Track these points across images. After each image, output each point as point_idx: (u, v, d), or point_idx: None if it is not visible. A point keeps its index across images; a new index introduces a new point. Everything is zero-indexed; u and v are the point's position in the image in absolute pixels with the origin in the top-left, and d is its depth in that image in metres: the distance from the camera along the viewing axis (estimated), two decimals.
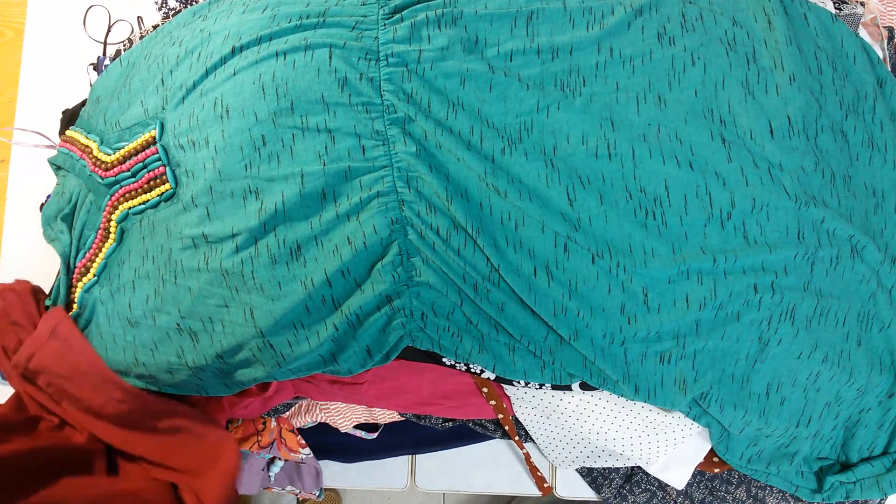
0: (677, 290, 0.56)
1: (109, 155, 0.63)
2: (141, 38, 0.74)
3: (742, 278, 0.57)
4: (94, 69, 0.83)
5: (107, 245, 0.63)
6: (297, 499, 1.36)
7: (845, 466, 0.68)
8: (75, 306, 0.65)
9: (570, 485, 0.79)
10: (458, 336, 0.59)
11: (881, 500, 0.74)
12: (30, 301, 0.65)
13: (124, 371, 0.63)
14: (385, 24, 0.58)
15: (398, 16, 0.58)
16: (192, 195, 0.58)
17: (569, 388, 0.65)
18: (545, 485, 0.78)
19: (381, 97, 0.56)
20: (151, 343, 0.61)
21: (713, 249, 0.56)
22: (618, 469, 0.77)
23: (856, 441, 0.67)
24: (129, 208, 0.62)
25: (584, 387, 0.64)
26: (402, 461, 0.81)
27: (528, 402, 0.70)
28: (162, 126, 0.60)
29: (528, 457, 0.76)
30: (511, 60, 0.57)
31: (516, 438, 0.74)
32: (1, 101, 0.89)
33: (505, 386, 0.69)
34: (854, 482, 0.67)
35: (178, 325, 0.59)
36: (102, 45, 0.86)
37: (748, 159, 0.57)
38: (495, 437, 0.78)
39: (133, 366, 0.62)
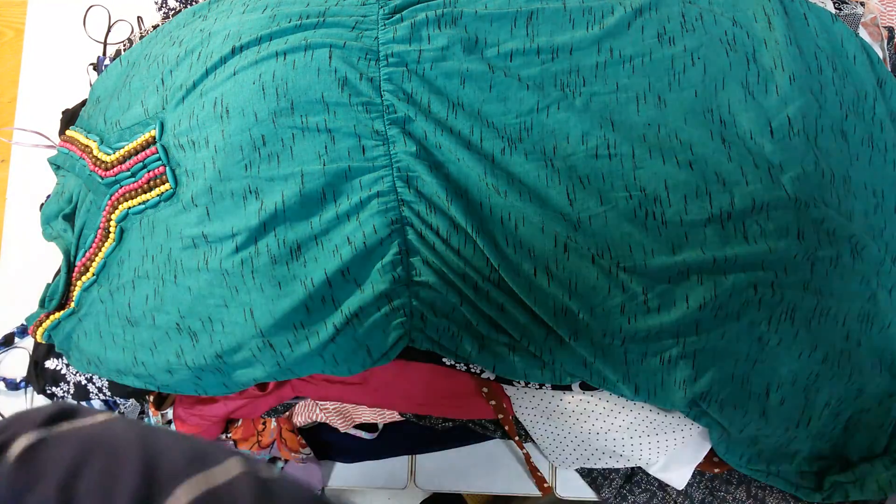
0: (677, 290, 0.56)
1: (109, 155, 0.63)
2: (141, 38, 0.74)
3: (742, 278, 0.56)
4: (94, 69, 0.83)
5: (106, 244, 0.63)
6: None
7: (845, 466, 0.68)
8: (73, 304, 0.65)
9: (570, 485, 0.79)
10: (458, 336, 0.59)
11: (881, 500, 0.74)
12: None
13: (123, 370, 0.63)
14: (385, 24, 0.58)
15: (398, 16, 0.58)
16: (191, 195, 0.58)
17: (569, 388, 0.64)
18: (545, 485, 0.78)
19: (381, 97, 0.56)
20: (151, 342, 0.61)
21: (713, 249, 0.56)
22: (618, 469, 0.77)
23: (856, 441, 0.67)
24: (129, 208, 0.62)
25: (584, 387, 0.64)
26: (402, 461, 0.81)
27: (528, 402, 0.70)
28: (162, 126, 0.60)
29: (528, 457, 0.76)
30: (511, 60, 0.57)
31: (516, 438, 0.74)
32: (1, 101, 0.89)
33: (505, 386, 0.69)
34: (854, 482, 0.67)
35: (178, 324, 0.59)
36: (102, 45, 0.86)
37: (748, 159, 0.57)
38: (495, 437, 0.78)
39: (132, 365, 0.62)
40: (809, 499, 0.69)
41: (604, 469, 0.78)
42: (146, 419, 0.77)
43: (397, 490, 0.81)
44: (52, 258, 0.74)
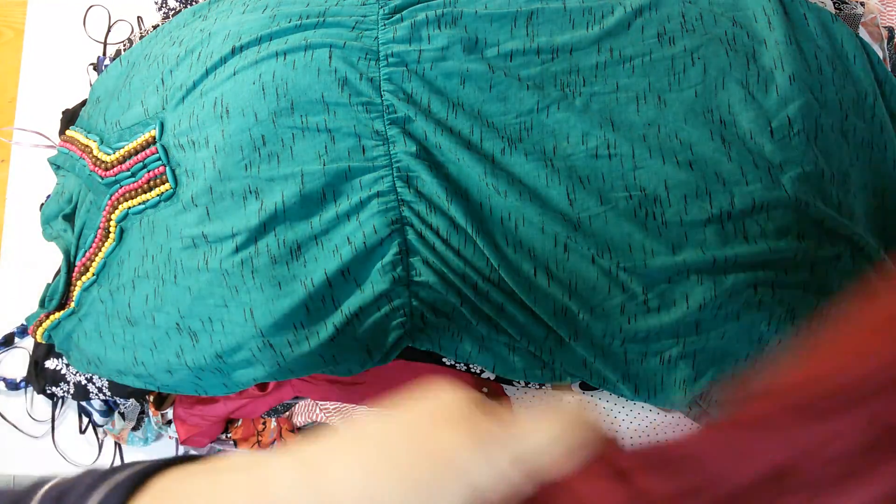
0: (677, 290, 0.56)
1: (109, 155, 0.63)
2: (141, 38, 0.74)
3: (742, 278, 0.56)
4: (94, 69, 0.83)
5: (106, 244, 0.63)
6: None
7: None
8: (72, 304, 0.65)
9: None
10: (458, 336, 0.59)
11: None
12: None
13: (123, 370, 0.63)
14: (385, 24, 0.58)
15: (398, 16, 0.58)
16: (191, 195, 0.58)
17: (569, 388, 0.64)
18: None
19: (381, 97, 0.56)
20: (151, 342, 0.61)
21: (713, 249, 0.56)
22: None
23: None
24: (129, 208, 0.62)
25: (584, 387, 0.64)
26: None
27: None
28: (162, 126, 0.60)
29: None
30: (511, 60, 0.57)
31: None
32: (1, 101, 0.89)
33: (505, 386, 0.69)
34: None
35: (178, 324, 0.59)
36: (102, 45, 0.87)
37: (748, 159, 0.57)
38: None
39: (132, 365, 0.62)
40: None
41: None
42: (146, 419, 0.77)
43: None
44: (52, 258, 0.74)
